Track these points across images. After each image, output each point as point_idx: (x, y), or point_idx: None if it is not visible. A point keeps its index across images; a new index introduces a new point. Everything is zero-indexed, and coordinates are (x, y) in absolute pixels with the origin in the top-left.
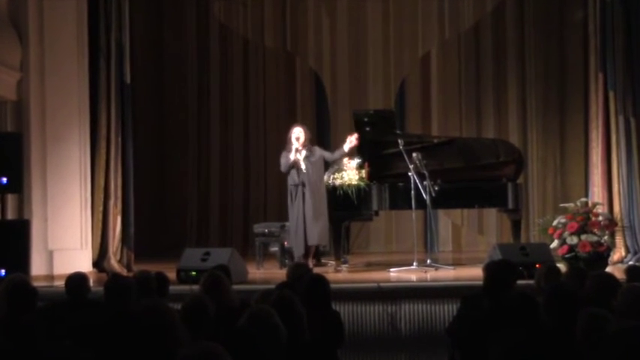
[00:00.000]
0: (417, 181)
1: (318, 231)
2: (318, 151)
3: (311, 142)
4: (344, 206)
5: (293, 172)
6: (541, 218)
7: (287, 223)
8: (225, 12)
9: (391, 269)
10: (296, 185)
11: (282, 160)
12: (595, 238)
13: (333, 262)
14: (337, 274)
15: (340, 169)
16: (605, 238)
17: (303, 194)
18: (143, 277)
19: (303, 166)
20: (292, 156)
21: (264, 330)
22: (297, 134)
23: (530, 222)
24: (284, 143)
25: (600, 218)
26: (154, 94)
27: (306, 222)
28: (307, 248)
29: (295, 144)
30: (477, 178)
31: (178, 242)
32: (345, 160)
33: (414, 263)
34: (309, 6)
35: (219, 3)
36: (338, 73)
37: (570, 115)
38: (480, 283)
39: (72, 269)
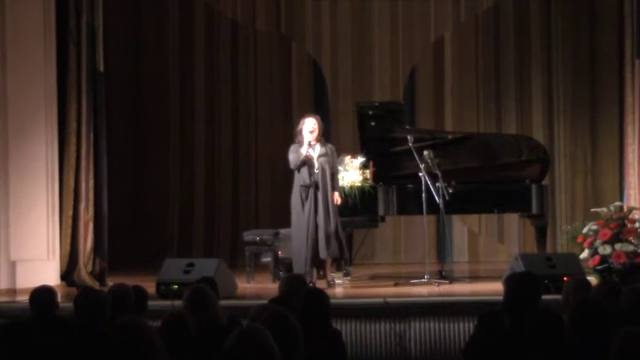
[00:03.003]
0: (429, 182)
1: (333, 242)
2: (334, 152)
3: (325, 137)
4: (346, 211)
5: (304, 170)
6: (569, 225)
7: (282, 231)
8: None
9: (399, 282)
10: (307, 186)
11: (292, 156)
12: (631, 248)
13: (334, 274)
14: (336, 288)
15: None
16: None
17: (316, 197)
18: (118, 292)
19: (316, 164)
20: (304, 150)
21: (255, 352)
22: (312, 126)
23: (557, 229)
24: (278, 140)
25: (637, 225)
26: (131, 84)
27: (318, 231)
28: (319, 262)
29: (308, 137)
30: (496, 179)
31: (158, 252)
32: (348, 158)
33: (426, 276)
34: None
35: None
36: (339, 60)
37: (603, 108)
38: (500, 298)
39: (37, 282)
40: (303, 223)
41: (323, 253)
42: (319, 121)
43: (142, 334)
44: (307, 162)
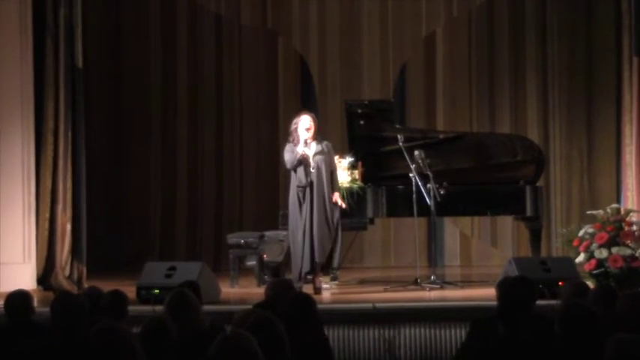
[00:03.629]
0: (420, 183)
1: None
2: (330, 149)
3: (320, 135)
4: None
5: (300, 170)
6: (565, 228)
7: (267, 233)
8: None
9: (388, 287)
10: (303, 187)
11: (287, 156)
12: (628, 252)
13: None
14: (324, 293)
15: None
16: None
17: (312, 198)
18: (95, 295)
19: (312, 162)
20: (300, 149)
21: (240, 358)
22: (308, 124)
23: (552, 232)
24: (264, 139)
25: (634, 228)
26: (111, 81)
27: (313, 233)
28: (315, 265)
29: (305, 135)
30: (489, 180)
31: (139, 255)
32: (336, 158)
33: (416, 280)
34: None
35: None
36: (327, 57)
37: (600, 107)
38: (493, 304)
39: (13, 287)
40: (300, 226)
41: (318, 257)
42: (314, 118)
43: (122, 339)
44: (303, 161)
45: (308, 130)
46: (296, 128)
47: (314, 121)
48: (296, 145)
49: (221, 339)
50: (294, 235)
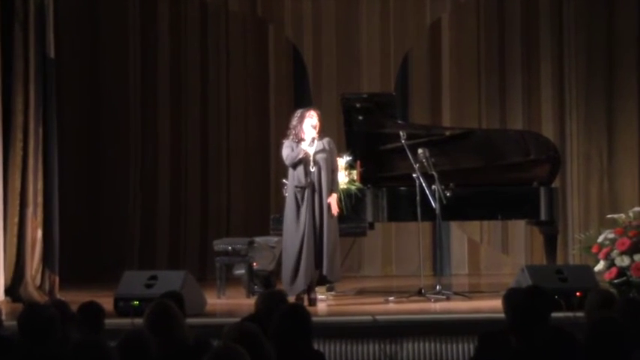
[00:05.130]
0: (424, 184)
1: (332, 258)
2: (332, 147)
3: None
4: None
5: (299, 169)
6: (583, 233)
7: (257, 239)
8: None
9: (390, 298)
10: (303, 187)
11: (287, 151)
12: None
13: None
14: (319, 304)
15: None
16: None
17: (313, 201)
18: (64, 307)
19: (312, 162)
20: (305, 146)
21: None
22: (315, 121)
23: (568, 238)
24: (253, 136)
25: None
26: (86, 73)
27: (315, 240)
28: (313, 277)
29: (311, 132)
30: (500, 181)
31: (116, 263)
32: None
33: (420, 290)
34: None
35: None
36: (323, 46)
37: (620, 101)
38: (504, 316)
39: None
40: (298, 230)
41: (319, 267)
42: (320, 115)
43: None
44: (304, 160)
45: (315, 127)
46: (298, 125)
47: (320, 118)
48: (298, 141)
49: (213, 354)
50: (291, 241)
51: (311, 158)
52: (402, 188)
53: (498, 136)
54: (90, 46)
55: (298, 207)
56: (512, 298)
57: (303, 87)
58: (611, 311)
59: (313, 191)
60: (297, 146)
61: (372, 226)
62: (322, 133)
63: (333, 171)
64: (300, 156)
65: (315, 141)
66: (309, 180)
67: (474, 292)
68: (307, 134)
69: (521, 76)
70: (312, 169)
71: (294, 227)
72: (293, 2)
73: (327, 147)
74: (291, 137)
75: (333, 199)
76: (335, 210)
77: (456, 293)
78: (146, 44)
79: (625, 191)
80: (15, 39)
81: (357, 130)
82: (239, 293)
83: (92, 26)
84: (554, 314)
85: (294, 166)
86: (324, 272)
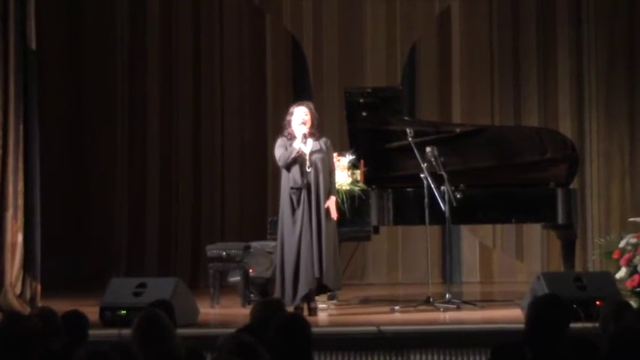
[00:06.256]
0: (432, 185)
1: (332, 265)
2: (329, 147)
3: (319, 130)
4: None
5: (294, 169)
6: (603, 238)
7: (253, 244)
8: None
9: (396, 307)
10: (298, 189)
11: (279, 151)
12: None
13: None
14: (320, 314)
15: None
16: None
17: (310, 203)
18: (49, 317)
19: (309, 162)
20: (297, 144)
21: None
22: (303, 117)
23: (588, 242)
24: (249, 134)
25: None
26: (70, 66)
27: (312, 246)
28: (312, 284)
29: (299, 129)
30: (514, 181)
31: (102, 270)
32: (334, 156)
33: (428, 299)
34: None
35: None
36: (324, 37)
37: None
38: (519, 326)
39: None
40: (294, 234)
41: (318, 274)
42: (312, 110)
43: None
44: (299, 159)
45: (303, 124)
46: (290, 121)
47: (311, 113)
48: (291, 139)
49: None
50: (288, 247)
51: (307, 157)
52: (409, 189)
53: (512, 133)
54: (74, 37)
55: (294, 209)
56: (529, 308)
57: (303, 81)
58: (627, 322)
59: (309, 193)
60: (291, 145)
61: (376, 230)
62: (318, 129)
63: (330, 173)
64: (293, 155)
65: (310, 140)
66: (305, 181)
67: (486, 301)
68: (297, 132)
69: (536, 68)
70: (309, 170)
71: (289, 231)
72: None
73: (323, 147)
74: (285, 135)
75: (332, 203)
76: (334, 214)
77: (466, 302)
78: (134, 35)
79: None
80: None
81: (361, 127)
82: (234, 302)
83: (76, 15)
84: (573, 325)
85: (288, 166)
86: (323, 280)
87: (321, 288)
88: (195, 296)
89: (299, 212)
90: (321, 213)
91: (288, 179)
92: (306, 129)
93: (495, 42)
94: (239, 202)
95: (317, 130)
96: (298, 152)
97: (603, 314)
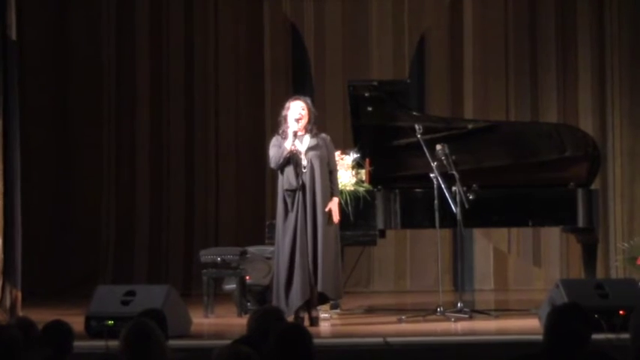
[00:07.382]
0: (443, 186)
1: (331, 272)
2: (329, 143)
3: (318, 127)
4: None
5: (289, 170)
6: (627, 242)
7: (250, 249)
8: None
9: (403, 317)
10: (293, 190)
11: (273, 151)
12: None
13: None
14: (322, 324)
15: None
16: None
17: (305, 206)
18: (29, 327)
19: (304, 160)
20: (289, 144)
21: None
22: (299, 112)
23: (610, 247)
24: (245, 131)
25: None
26: (54, 57)
27: (308, 251)
28: (313, 294)
29: (294, 126)
30: (531, 181)
31: (88, 276)
32: (337, 154)
33: (439, 308)
34: None
35: None
36: (326, 27)
37: None
38: (537, 337)
39: None
40: (287, 240)
41: (314, 282)
42: (309, 105)
43: None
44: (292, 159)
45: (299, 120)
46: (285, 117)
47: (308, 109)
48: (285, 138)
49: None
50: (281, 253)
51: (302, 156)
52: (418, 190)
53: (529, 129)
54: (58, 28)
55: (287, 212)
56: (547, 318)
57: (304, 73)
58: None
59: (305, 195)
60: (283, 143)
61: (383, 233)
62: (314, 125)
63: (331, 172)
64: (285, 155)
65: (307, 136)
66: (300, 182)
67: (501, 311)
68: (291, 128)
69: (555, 59)
70: (304, 170)
71: (284, 235)
72: None
73: (321, 144)
74: (279, 134)
75: (334, 205)
76: (336, 217)
77: (479, 312)
78: (122, 25)
79: None
80: None
81: (366, 123)
82: (229, 311)
83: (62, 6)
84: (594, 336)
85: (282, 167)
86: (320, 289)
87: (319, 297)
88: (188, 305)
89: (292, 216)
90: (317, 216)
91: (283, 181)
92: (297, 127)
93: (511, 31)
94: (235, 204)
95: (314, 126)
96: (290, 152)
97: (634, 327)
